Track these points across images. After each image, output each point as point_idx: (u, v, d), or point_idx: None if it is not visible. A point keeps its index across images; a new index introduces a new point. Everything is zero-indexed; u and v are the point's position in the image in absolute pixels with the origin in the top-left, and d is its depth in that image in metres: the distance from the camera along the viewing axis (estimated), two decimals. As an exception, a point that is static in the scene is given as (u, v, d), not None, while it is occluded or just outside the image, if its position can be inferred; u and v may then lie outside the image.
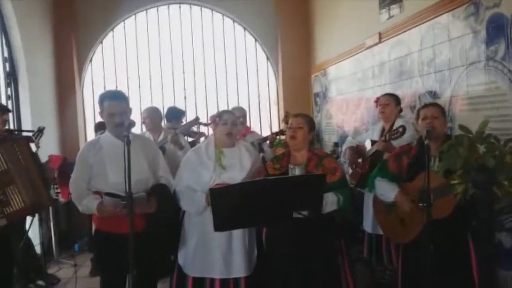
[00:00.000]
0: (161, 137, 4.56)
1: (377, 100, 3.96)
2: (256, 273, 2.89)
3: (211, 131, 3.21)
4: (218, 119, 3.00)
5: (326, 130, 6.43)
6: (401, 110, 3.91)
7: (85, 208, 2.83)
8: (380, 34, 4.56)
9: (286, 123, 3.17)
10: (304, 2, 6.94)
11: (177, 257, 3.03)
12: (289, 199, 2.32)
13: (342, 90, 5.78)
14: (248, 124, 6.06)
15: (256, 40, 7.17)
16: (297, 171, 2.72)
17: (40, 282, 4.46)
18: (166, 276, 3.32)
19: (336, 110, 6.04)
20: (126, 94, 3.06)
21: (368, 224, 3.87)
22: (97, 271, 3.04)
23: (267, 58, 7.22)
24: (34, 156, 2.96)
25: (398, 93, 4.08)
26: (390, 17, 4.40)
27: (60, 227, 5.67)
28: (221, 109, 6.38)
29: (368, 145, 3.94)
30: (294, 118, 3.05)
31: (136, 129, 5.68)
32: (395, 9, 4.31)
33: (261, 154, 2.81)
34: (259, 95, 7.31)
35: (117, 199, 2.58)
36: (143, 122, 4.76)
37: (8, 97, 5.34)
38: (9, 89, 5.37)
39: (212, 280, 2.90)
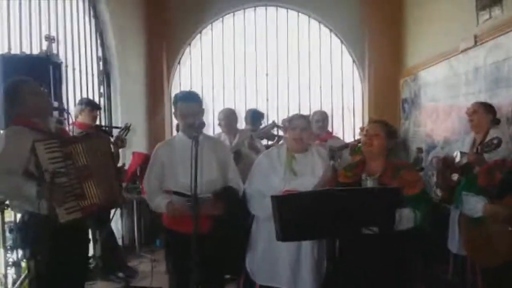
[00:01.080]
0: (236, 139, 4.55)
1: (467, 109, 3.63)
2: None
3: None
4: (288, 123, 2.90)
5: (413, 139, 6.06)
6: (498, 122, 3.54)
7: (156, 206, 2.90)
8: (475, 36, 4.19)
9: (362, 130, 2.98)
10: (394, 3, 6.61)
11: (245, 261, 2.98)
12: (357, 213, 2.14)
13: (433, 96, 5.41)
14: (330, 129, 5.90)
15: (342, 42, 6.97)
16: (369, 183, 2.52)
17: (120, 274, 4.64)
18: (234, 280, 3.31)
19: (425, 117, 5.67)
20: (202, 95, 3.08)
21: (453, 244, 3.55)
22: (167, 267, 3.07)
23: (353, 61, 6.98)
24: (113, 155, 3.05)
25: (494, 102, 3.71)
26: (488, 18, 4.03)
27: (143, 222, 5.88)
28: (303, 112, 6.28)
29: (457, 157, 3.61)
30: (371, 124, 2.86)
31: (207, 130, 5.78)
32: (494, 11, 3.94)
33: (331, 162, 2.66)
34: (343, 99, 7.08)
35: (183, 199, 2.59)
36: (219, 124, 4.79)
37: (100, 95, 5.65)
38: (101, 87, 5.69)
39: None
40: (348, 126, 7.15)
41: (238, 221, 2.95)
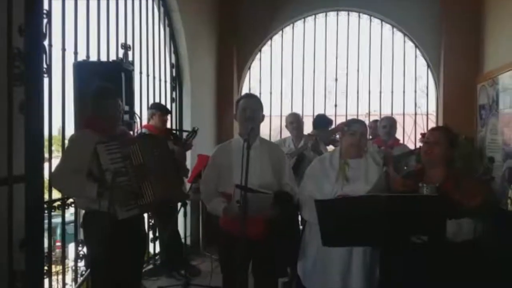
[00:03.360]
0: (301, 143, 4.57)
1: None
2: None
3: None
4: (346, 128, 2.86)
5: (490, 148, 5.68)
6: None
7: (212, 209, 2.98)
8: (559, 37, 3.88)
9: (423, 137, 2.87)
10: (473, 2, 6.25)
11: (296, 266, 2.98)
12: (405, 221, 2.08)
13: (513, 102, 5.05)
14: (402, 135, 5.73)
15: (416, 46, 6.73)
16: (426, 191, 2.43)
17: (183, 272, 4.81)
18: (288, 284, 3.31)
19: (503, 125, 5.29)
20: (270, 100, 3.12)
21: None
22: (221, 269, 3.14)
23: (428, 66, 6.71)
24: (171, 154, 3.17)
25: None
26: None
27: (207, 222, 6.03)
28: (373, 118, 6.14)
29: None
30: (432, 131, 2.75)
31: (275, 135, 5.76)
32: None
33: (384, 168, 2.59)
34: (415, 105, 6.84)
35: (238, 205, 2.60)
36: (286, 126, 4.83)
37: (172, 100, 5.91)
38: (174, 93, 5.95)
39: None
40: (421, 132, 6.87)
41: (292, 226, 2.96)
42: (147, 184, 2.87)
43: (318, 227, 2.72)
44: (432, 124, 6.76)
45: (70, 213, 4.41)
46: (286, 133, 5.04)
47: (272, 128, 7.07)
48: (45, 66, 3.29)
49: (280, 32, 7.14)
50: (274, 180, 2.94)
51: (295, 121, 4.76)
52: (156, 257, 5.25)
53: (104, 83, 3.12)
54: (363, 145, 2.91)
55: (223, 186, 2.94)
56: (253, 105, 2.93)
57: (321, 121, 5.17)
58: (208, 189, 3.01)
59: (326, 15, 7.03)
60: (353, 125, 2.88)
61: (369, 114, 6.80)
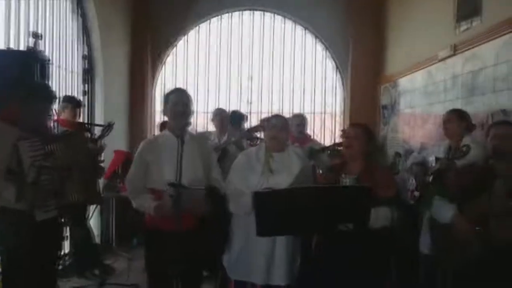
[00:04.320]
0: (225, 138, 4.64)
1: (443, 117, 3.76)
2: (299, 283, 2.82)
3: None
4: (266, 123, 2.98)
5: (391, 144, 6.20)
6: (472, 128, 3.67)
7: (139, 205, 2.89)
8: (454, 46, 4.34)
9: (344, 132, 3.08)
10: (376, 11, 6.76)
11: (222, 259, 3.04)
12: (333, 210, 2.23)
13: (412, 103, 5.56)
14: (311, 133, 6.00)
15: (326, 48, 7.10)
16: (348, 182, 2.62)
17: (96, 271, 4.65)
18: (211, 279, 3.35)
19: (403, 123, 5.81)
20: (194, 96, 3.11)
21: (425, 245, 3.66)
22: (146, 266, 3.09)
23: (336, 67, 7.11)
24: (93, 154, 3.08)
25: (469, 109, 3.84)
26: (466, 28, 4.17)
27: (120, 220, 5.87)
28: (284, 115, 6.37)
29: (432, 162, 3.74)
30: (351, 127, 2.97)
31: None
32: (472, 21, 4.08)
33: (311, 162, 2.75)
34: (325, 104, 7.21)
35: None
36: (212, 120, 4.87)
37: (84, 93, 5.65)
38: (86, 85, 5.69)
39: (254, 286, 2.88)
40: (329, 130, 7.28)
41: (219, 220, 3.00)
42: (69, 185, 2.76)
43: (244, 219, 2.85)
44: (339, 123, 7.19)
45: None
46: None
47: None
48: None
49: (196, 28, 7.13)
50: (203, 175, 2.96)
51: (220, 116, 4.82)
52: (66, 258, 4.99)
53: (41, 82, 2.92)
54: (283, 138, 3.02)
55: (151, 182, 2.87)
56: (185, 99, 2.91)
57: (236, 117, 5.28)
58: (135, 185, 2.92)
59: (241, 14, 7.15)
60: (273, 119, 3.00)
61: (282, 112, 7.02)
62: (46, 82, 3.59)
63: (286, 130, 3.03)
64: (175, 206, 2.48)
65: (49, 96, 2.94)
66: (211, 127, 4.97)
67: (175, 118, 2.88)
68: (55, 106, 4.47)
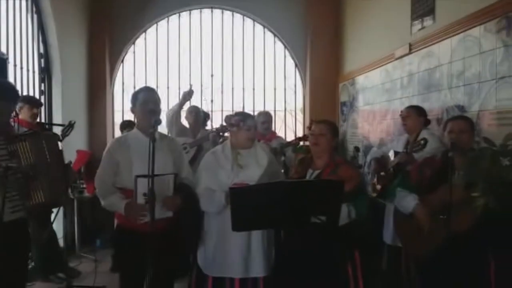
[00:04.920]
0: (199, 135, 4.67)
1: (401, 113, 3.94)
2: (275, 273, 2.87)
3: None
4: (242, 123, 3.01)
5: (351, 140, 6.38)
6: (428, 122, 3.87)
7: (109, 205, 2.87)
8: (410, 44, 4.52)
9: (310, 129, 3.17)
10: (334, 10, 6.93)
11: (195, 257, 3.06)
12: (306, 203, 2.31)
13: (370, 100, 5.74)
14: (273, 129, 6.09)
15: (285, 46, 7.20)
16: (310, 176, 2.71)
17: (61, 275, 4.55)
18: (183, 276, 3.35)
19: (362, 120, 6.00)
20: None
21: (388, 236, 3.82)
22: (116, 267, 3.07)
23: (296, 65, 7.23)
24: (60, 154, 3.01)
25: (425, 105, 4.03)
26: (421, 28, 4.36)
27: (84, 222, 5.76)
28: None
29: (391, 156, 3.90)
30: (317, 124, 3.06)
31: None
32: (427, 20, 4.27)
33: (282, 158, 2.82)
34: (285, 101, 7.33)
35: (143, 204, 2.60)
36: (186, 117, 4.86)
37: (41, 92, 5.50)
38: (42, 84, 5.54)
39: (232, 280, 2.91)
40: (290, 127, 7.40)
41: (190, 218, 3.02)
42: (36, 185, 2.70)
43: (217, 216, 2.88)
44: (299, 120, 7.33)
45: None
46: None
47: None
48: None
49: (155, 25, 7.07)
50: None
51: (192, 113, 4.84)
52: (29, 261, 4.85)
53: (5, 81, 2.82)
54: (255, 137, 3.11)
55: (121, 181, 2.86)
56: (154, 97, 2.92)
57: None
58: (104, 184, 2.90)
59: (201, 12, 7.14)
60: (248, 120, 3.04)
61: (243, 110, 7.07)
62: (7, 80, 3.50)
63: (256, 128, 3.11)
64: (148, 200, 2.47)
65: (14, 95, 2.86)
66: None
67: (145, 117, 2.86)
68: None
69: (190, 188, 2.96)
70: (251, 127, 3.01)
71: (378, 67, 5.42)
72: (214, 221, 2.96)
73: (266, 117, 5.14)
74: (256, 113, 5.33)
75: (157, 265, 2.60)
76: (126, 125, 5.46)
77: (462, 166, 2.64)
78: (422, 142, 3.35)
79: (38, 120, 4.62)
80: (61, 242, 4.81)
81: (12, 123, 3.99)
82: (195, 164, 3.82)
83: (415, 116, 3.81)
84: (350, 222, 2.77)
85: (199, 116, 4.89)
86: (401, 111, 3.94)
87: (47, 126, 4.98)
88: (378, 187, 3.88)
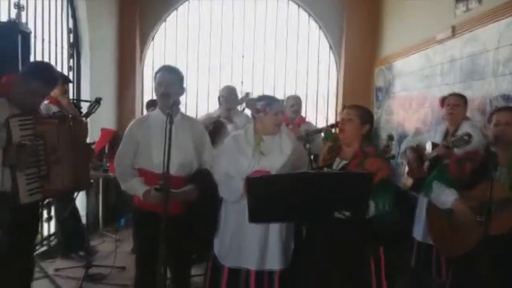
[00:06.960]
0: (217, 112, 4.47)
1: (443, 100, 3.64)
2: (292, 267, 2.74)
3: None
4: (269, 108, 2.81)
5: (385, 127, 6.10)
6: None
7: (129, 188, 2.85)
8: (453, 28, 4.21)
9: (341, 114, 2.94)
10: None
11: (212, 245, 2.93)
12: (330, 197, 2.12)
13: (407, 86, 5.44)
14: (304, 114, 5.86)
15: (320, 27, 6.91)
16: (335, 167, 2.50)
17: (82, 253, 4.54)
18: (201, 262, 3.25)
19: (398, 107, 5.71)
20: (183, 73, 2.98)
21: (418, 232, 3.61)
22: (134, 247, 3.04)
23: (330, 47, 6.94)
24: (85, 141, 3.00)
25: (467, 93, 3.74)
26: (466, 10, 4.04)
27: (108, 201, 5.76)
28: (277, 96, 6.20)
29: (428, 147, 3.64)
30: (346, 109, 2.82)
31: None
32: (472, 2, 3.95)
33: (307, 146, 2.63)
34: (318, 85, 7.06)
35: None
36: (219, 98, 4.64)
37: (69, 68, 5.46)
38: (71, 60, 5.49)
39: (248, 271, 2.77)
40: (322, 112, 7.16)
41: (210, 204, 2.89)
42: (57, 170, 2.69)
43: (235, 204, 2.73)
44: (332, 105, 7.07)
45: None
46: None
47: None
48: None
49: (186, 3, 6.89)
50: (194, 157, 2.90)
51: (229, 93, 4.61)
52: (51, 238, 4.88)
53: (46, 63, 2.82)
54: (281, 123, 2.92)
55: (140, 163, 2.84)
56: (169, 79, 2.80)
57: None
58: (123, 165, 2.87)
59: (233, -10, 6.93)
60: (275, 104, 2.84)
61: (274, 92, 6.86)
62: (29, 55, 3.45)
63: (283, 113, 2.93)
64: (162, 196, 2.37)
65: (52, 80, 2.83)
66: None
67: (159, 99, 2.84)
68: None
69: (209, 174, 2.85)
70: (279, 112, 2.82)
71: (417, 52, 5.10)
72: (231, 209, 2.81)
73: (296, 100, 4.94)
74: (285, 97, 5.13)
75: (172, 248, 2.52)
76: (150, 104, 5.35)
77: (507, 162, 2.41)
78: (466, 137, 3.06)
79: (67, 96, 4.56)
80: (84, 221, 4.78)
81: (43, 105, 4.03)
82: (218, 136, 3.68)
83: (463, 107, 3.53)
84: (373, 217, 2.55)
85: (234, 97, 4.63)
86: (445, 99, 3.62)
87: (74, 102, 4.92)
88: (410, 180, 3.65)
